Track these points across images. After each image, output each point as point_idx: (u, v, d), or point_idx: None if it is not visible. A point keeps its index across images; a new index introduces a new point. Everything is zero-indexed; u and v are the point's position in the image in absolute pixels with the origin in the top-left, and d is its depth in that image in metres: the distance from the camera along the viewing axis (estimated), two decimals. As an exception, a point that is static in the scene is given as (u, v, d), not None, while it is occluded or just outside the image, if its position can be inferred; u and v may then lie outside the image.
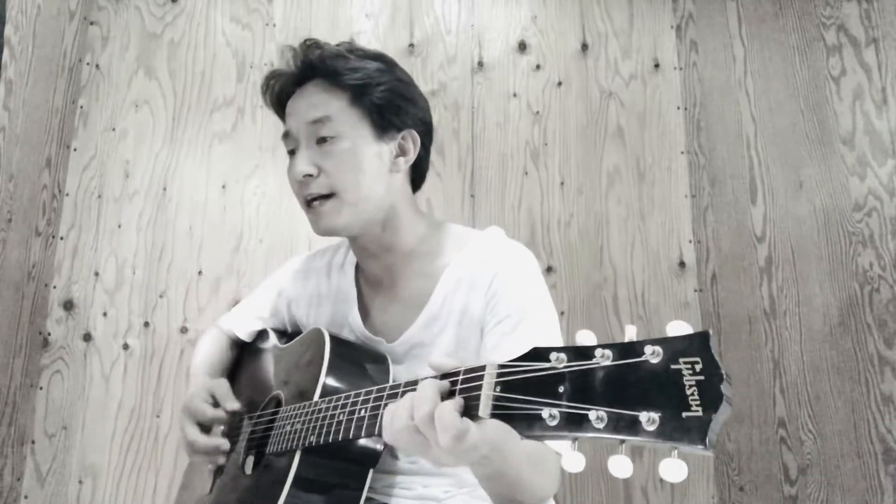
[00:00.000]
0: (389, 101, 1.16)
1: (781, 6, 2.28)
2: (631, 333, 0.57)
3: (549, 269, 2.08)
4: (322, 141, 1.13)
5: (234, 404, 1.21)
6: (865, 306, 2.05)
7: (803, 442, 1.99)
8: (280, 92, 1.22)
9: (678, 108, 2.22)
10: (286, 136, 1.19)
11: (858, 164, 2.14)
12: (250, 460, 1.18)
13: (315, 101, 1.15)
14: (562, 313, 2.06)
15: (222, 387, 1.24)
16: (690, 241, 2.13)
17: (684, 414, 0.51)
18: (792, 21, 2.27)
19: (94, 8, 2.17)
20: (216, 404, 1.22)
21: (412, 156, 1.19)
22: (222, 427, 1.21)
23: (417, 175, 1.26)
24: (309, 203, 1.15)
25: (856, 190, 2.13)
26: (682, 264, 2.11)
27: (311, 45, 1.18)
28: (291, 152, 1.18)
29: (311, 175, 1.13)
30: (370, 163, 1.14)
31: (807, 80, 2.22)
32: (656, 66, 2.25)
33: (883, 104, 2.17)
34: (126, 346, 1.96)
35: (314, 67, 1.17)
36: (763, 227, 2.13)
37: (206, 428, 1.21)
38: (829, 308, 2.06)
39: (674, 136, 2.20)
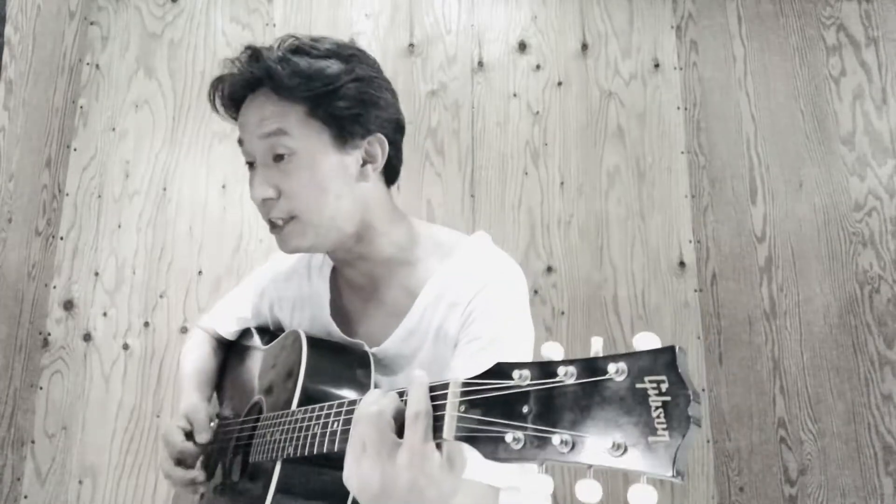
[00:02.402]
0: (349, 109, 1.05)
1: (781, 6, 2.28)
2: (597, 347, 0.55)
3: (548, 269, 2.08)
4: (279, 158, 1.04)
5: (204, 436, 1.18)
6: (865, 306, 2.05)
7: (803, 442, 1.99)
8: (231, 95, 1.11)
9: (678, 108, 2.22)
10: (241, 143, 1.10)
11: (858, 164, 2.14)
12: (237, 466, 1.17)
13: (267, 114, 1.05)
14: (562, 313, 2.06)
15: (199, 414, 1.22)
16: (690, 241, 2.13)
17: (650, 439, 0.49)
18: (792, 21, 2.26)
19: (94, 8, 2.17)
20: (191, 434, 1.20)
21: (381, 161, 1.10)
22: (200, 457, 1.20)
23: (390, 171, 1.17)
24: (272, 224, 1.09)
25: (856, 190, 2.12)
26: (682, 264, 2.11)
27: (252, 54, 1.07)
28: (250, 164, 1.10)
29: (271, 198, 1.05)
30: (333, 178, 1.05)
31: (807, 80, 2.21)
32: (656, 66, 2.25)
33: (883, 104, 2.16)
34: (126, 346, 1.96)
35: (260, 80, 1.06)
36: (763, 227, 2.13)
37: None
38: (829, 308, 2.06)
39: (674, 136, 2.20)
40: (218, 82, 1.12)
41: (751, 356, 2.05)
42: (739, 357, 2.05)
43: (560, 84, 2.22)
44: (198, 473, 1.16)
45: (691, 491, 1.97)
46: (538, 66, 2.23)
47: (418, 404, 0.66)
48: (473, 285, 1.07)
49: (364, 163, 1.09)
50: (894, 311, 2.04)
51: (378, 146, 1.10)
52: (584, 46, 2.25)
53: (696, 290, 2.10)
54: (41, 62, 1.93)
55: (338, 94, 1.04)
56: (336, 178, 1.06)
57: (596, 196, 2.15)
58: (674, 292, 2.10)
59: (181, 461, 1.19)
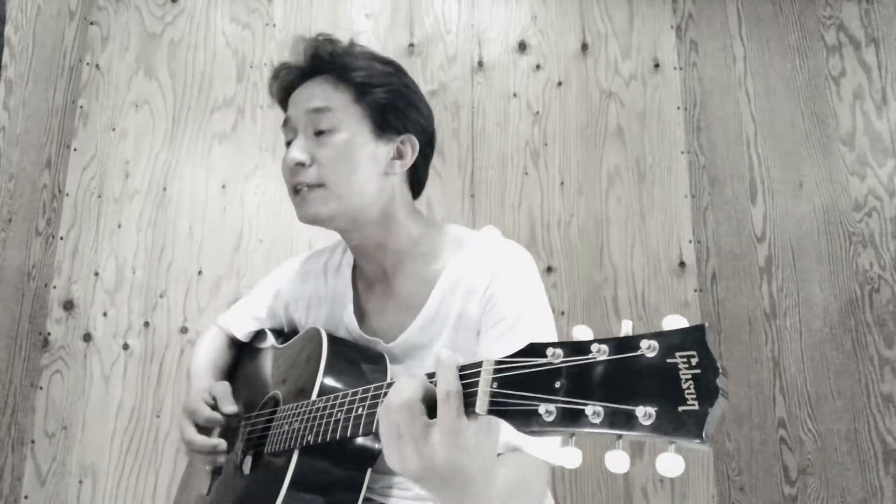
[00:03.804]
0: (392, 102, 1.15)
1: (781, 6, 2.28)
2: (627, 328, 0.57)
3: (549, 269, 2.08)
4: (320, 133, 1.13)
5: (231, 407, 1.21)
6: (865, 306, 2.05)
7: (803, 442, 1.99)
8: (288, 85, 1.21)
9: (678, 108, 2.22)
10: (286, 123, 1.18)
11: (858, 164, 2.14)
12: (248, 460, 1.18)
13: (318, 92, 1.15)
14: (562, 313, 2.06)
15: (223, 389, 1.25)
16: (690, 241, 2.13)
17: (680, 408, 0.51)
18: (792, 21, 2.27)
19: (94, 8, 2.17)
20: (216, 406, 1.23)
21: (409, 160, 1.18)
22: (219, 428, 1.22)
23: (415, 183, 1.25)
24: (296, 190, 1.15)
25: (856, 190, 2.13)
26: (682, 264, 2.11)
27: (324, 39, 1.18)
28: (289, 144, 1.17)
29: (302, 163, 1.12)
30: (364, 160, 1.13)
31: (807, 80, 2.22)
32: (656, 66, 2.25)
33: (883, 104, 2.17)
34: (126, 346, 1.96)
35: (323, 62, 1.16)
36: (763, 227, 2.13)
37: (204, 428, 1.22)
38: (829, 308, 2.06)
39: (674, 136, 2.20)
40: (282, 68, 1.22)
41: (751, 356, 2.05)
42: (739, 357, 2.05)
43: (560, 84, 2.22)
44: (219, 441, 1.19)
45: (691, 491, 1.97)
46: (538, 66, 2.23)
47: (449, 385, 0.69)
48: (487, 272, 1.12)
49: (394, 158, 1.17)
50: (894, 311, 2.04)
51: (409, 146, 1.18)
52: (584, 46, 2.25)
53: (696, 290, 2.10)
54: (41, 62, 1.92)
55: (384, 88, 1.15)
56: (368, 162, 1.13)
57: (596, 196, 2.15)
58: (674, 292, 2.10)
59: (203, 431, 1.21)
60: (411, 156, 1.18)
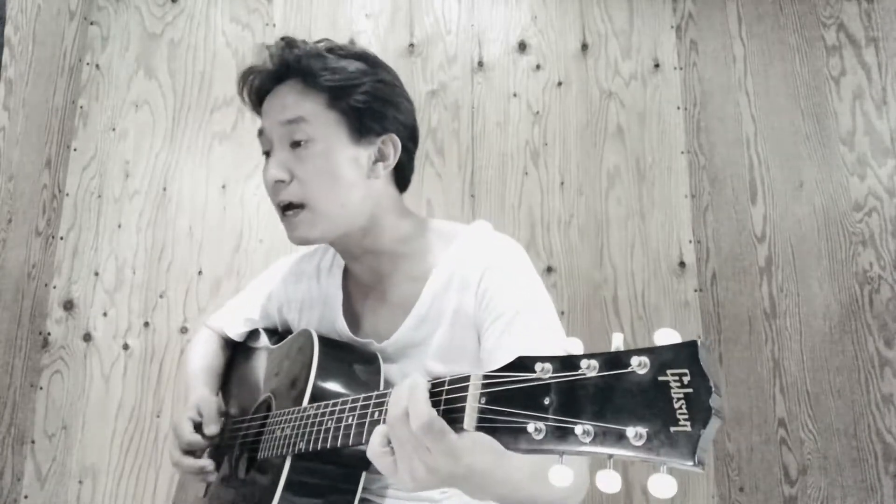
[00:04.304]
0: (368, 104, 1.11)
1: (781, 6, 2.28)
2: (618, 342, 0.56)
3: (549, 269, 2.08)
4: (296, 145, 1.09)
5: (214, 428, 1.20)
6: (865, 306, 2.05)
7: (803, 442, 1.99)
8: (259, 88, 1.17)
9: (678, 108, 2.22)
10: (261, 133, 1.15)
11: (858, 164, 2.14)
12: (243, 464, 1.17)
13: (289, 101, 1.11)
14: (562, 313, 2.06)
15: (209, 406, 1.23)
16: (690, 241, 2.13)
17: (672, 429, 0.49)
18: (792, 21, 2.26)
19: (94, 8, 2.17)
20: (201, 425, 1.21)
21: (392, 161, 1.14)
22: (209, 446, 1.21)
23: (402, 178, 1.21)
24: (283, 210, 1.12)
25: (856, 190, 2.12)
26: (682, 264, 2.11)
27: (286, 44, 1.13)
28: (266, 153, 1.14)
29: (283, 181, 1.09)
30: (345, 169, 1.09)
31: (807, 80, 2.21)
32: (656, 66, 2.25)
33: (883, 104, 2.16)
34: (126, 346, 1.96)
35: (290, 66, 1.12)
36: (763, 227, 2.13)
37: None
38: (829, 308, 2.06)
39: (674, 136, 2.20)
40: (248, 73, 1.18)
41: (751, 356, 2.05)
42: (739, 357, 2.05)
43: (560, 84, 2.22)
44: (206, 462, 1.17)
45: (691, 491, 1.97)
46: (538, 66, 2.23)
47: (420, 417, 0.67)
48: (479, 265, 1.10)
49: (376, 160, 1.13)
50: (894, 311, 2.04)
51: (391, 146, 1.14)
52: (584, 46, 2.25)
53: (696, 290, 2.10)
54: (41, 62, 1.93)
55: (359, 89, 1.10)
56: (349, 170, 1.10)
57: (596, 196, 2.15)
58: (674, 292, 2.10)
59: (189, 451, 1.20)
60: (394, 156, 1.15)
